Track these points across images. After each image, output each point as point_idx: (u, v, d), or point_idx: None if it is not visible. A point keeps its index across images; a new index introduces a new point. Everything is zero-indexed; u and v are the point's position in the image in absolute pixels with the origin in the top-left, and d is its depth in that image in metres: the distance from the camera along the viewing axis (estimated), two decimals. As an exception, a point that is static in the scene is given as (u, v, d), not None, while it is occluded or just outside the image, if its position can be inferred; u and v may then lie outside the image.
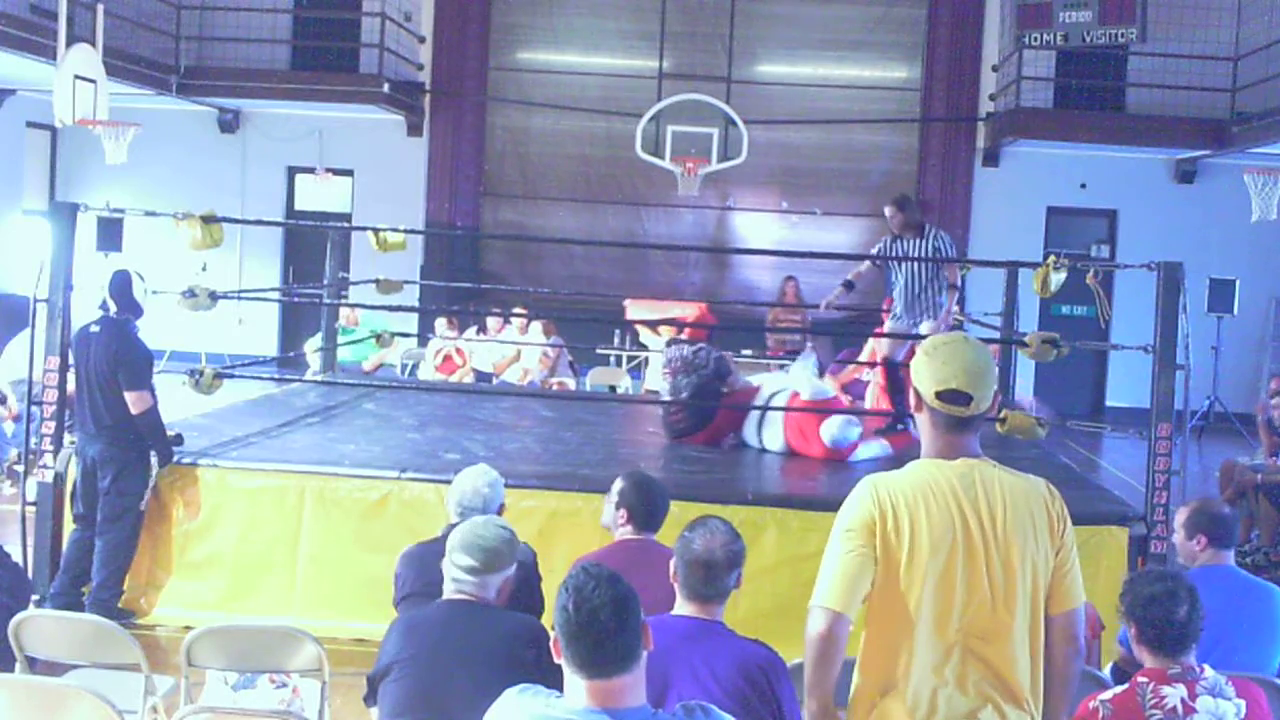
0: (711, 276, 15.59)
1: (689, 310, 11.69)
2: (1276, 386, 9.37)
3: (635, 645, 2.30)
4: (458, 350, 10.99)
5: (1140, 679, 3.25)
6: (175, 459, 5.75)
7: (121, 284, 5.69)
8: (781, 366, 11.05)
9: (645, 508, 4.12)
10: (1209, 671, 3.23)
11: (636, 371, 11.23)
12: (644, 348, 11.37)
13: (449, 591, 3.39)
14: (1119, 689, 3.29)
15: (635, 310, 11.71)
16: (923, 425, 2.80)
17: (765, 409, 6.88)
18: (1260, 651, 4.05)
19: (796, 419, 6.77)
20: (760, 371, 10.90)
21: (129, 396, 5.54)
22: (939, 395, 2.72)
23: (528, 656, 3.22)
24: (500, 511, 4.14)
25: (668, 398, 7.28)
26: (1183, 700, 3.16)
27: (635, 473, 4.29)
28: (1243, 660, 3.68)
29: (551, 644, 2.34)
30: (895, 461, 6.54)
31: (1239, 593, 4.14)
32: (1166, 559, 4.80)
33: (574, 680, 2.31)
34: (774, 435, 6.88)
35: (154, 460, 5.61)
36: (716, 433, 7.10)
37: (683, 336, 7.94)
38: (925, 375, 2.76)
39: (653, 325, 10.98)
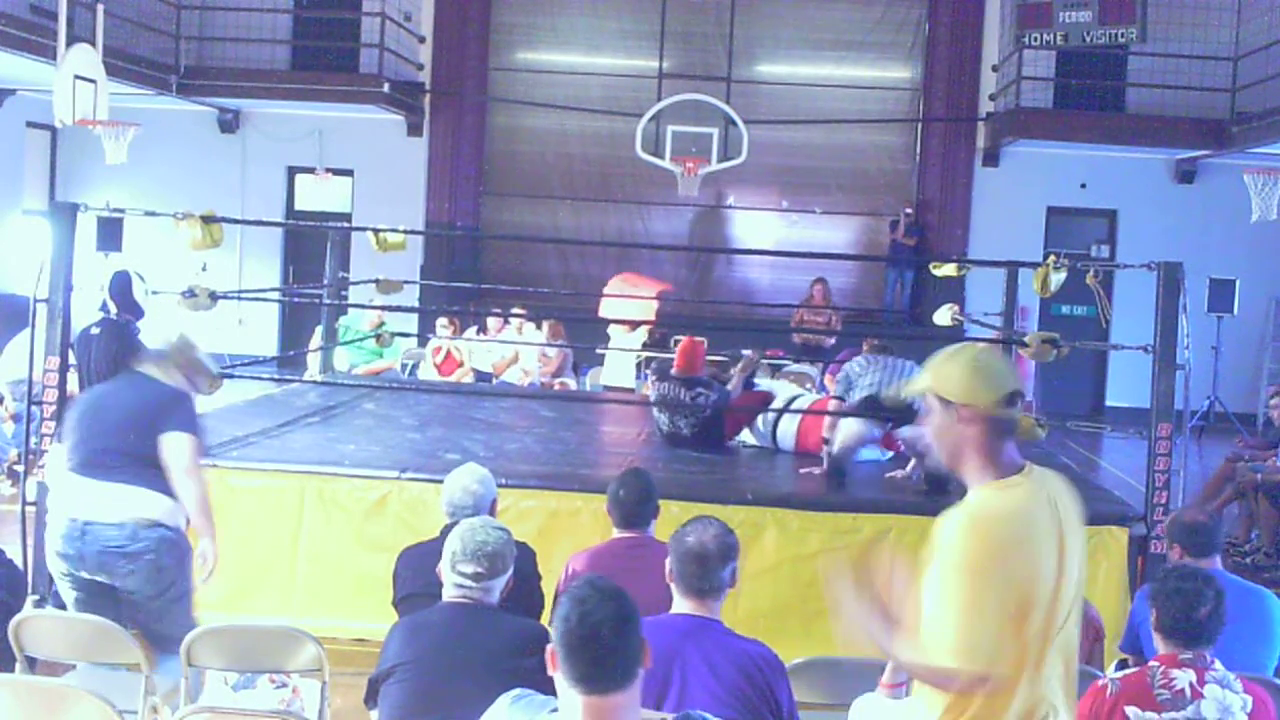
0: (710, 276, 15.60)
1: (653, 289, 11.65)
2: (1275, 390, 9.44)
3: (635, 663, 2.25)
4: (453, 349, 10.97)
5: (1152, 663, 3.34)
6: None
7: (122, 285, 5.68)
8: (782, 367, 11.06)
9: (620, 509, 4.14)
10: (1219, 665, 3.30)
11: (641, 373, 11.19)
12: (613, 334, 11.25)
13: (450, 594, 3.39)
14: (1130, 670, 3.37)
15: (612, 294, 11.63)
16: (973, 444, 2.64)
17: (783, 411, 6.85)
18: (1256, 654, 4.07)
19: (808, 418, 6.76)
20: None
21: None
22: (1002, 401, 2.63)
23: (530, 662, 3.22)
24: (493, 509, 4.14)
25: (666, 427, 6.94)
26: (1191, 684, 3.24)
27: (622, 473, 4.32)
28: (1238, 663, 3.69)
29: (548, 655, 2.29)
30: (891, 464, 6.57)
31: (1229, 596, 4.15)
32: (1167, 559, 4.81)
33: (569, 694, 2.26)
34: (787, 435, 6.88)
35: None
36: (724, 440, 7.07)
37: (672, 372, 6.98)
38: (983, 386, 2.63)
39: (632, 325, 10.91)
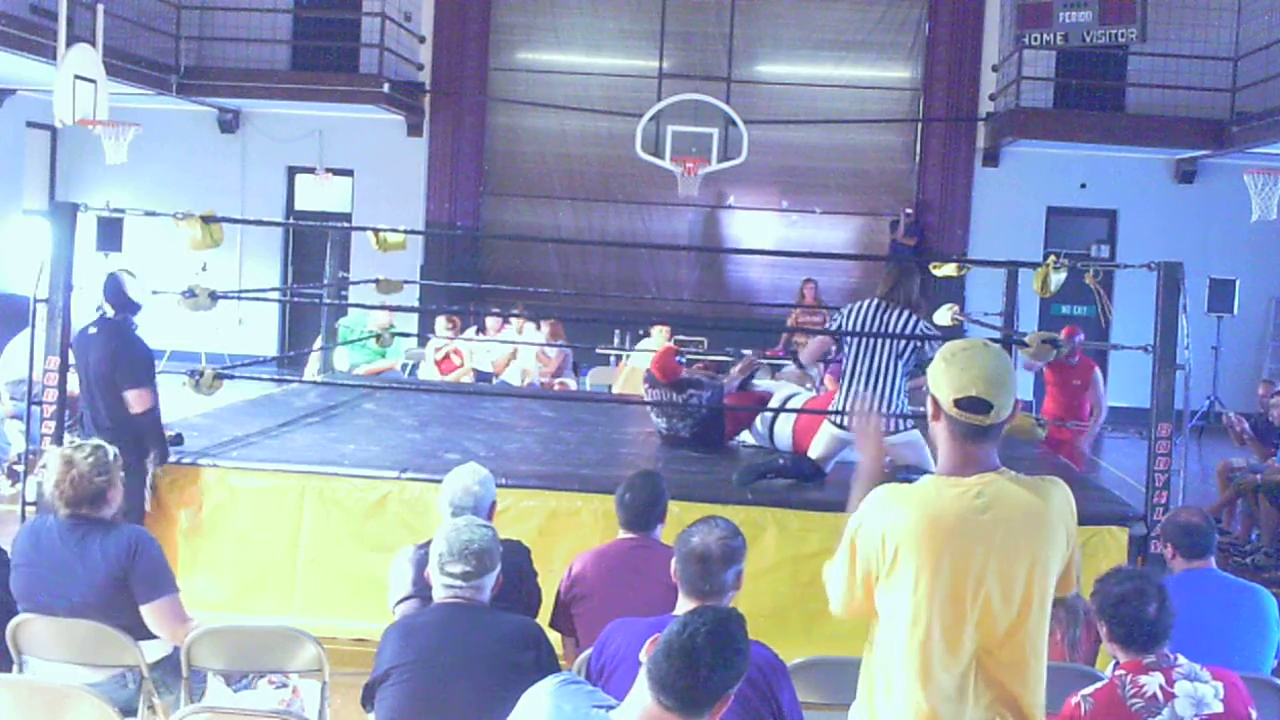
0: (710, 276, 15.62)
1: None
2: (1265, 392, 9.43)
3: (711, 700, 2.25)
4: (455, 351, 10.97)
5: (1119, 672, 3.33)
6: (175, 459, 5.75)
7: (114, 287, 5.66)
8: (781, 367, 11.06)
9: (627, 511, 4.14)
10: (1183, 659, 3.31)
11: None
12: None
13: (441, 595, 3.39)
14: (1099, 683, 3.35)
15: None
16: (939, 434, 2.72)
17: (779, 411, 6.82)
18: (1250, 651, 4.07)
19: (804, 416, 6.73)
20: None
21: (129, 395, 5.51)
22: (958, 403, 2.64)
23: (526, 658, 3.23)
24: (492, 508, 4.13)
25: (665, 430, 6.92)
26: (1161, 687, 3.23)
27: (632, 475, 4.31)
28: (1234, 661, 3.70)
29: (648, 640, 2.31)
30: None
31: (1222, 595, 4.16)
32: (1165, 559, 4.82)
33: (642, 695, 2.26)
34: (783, 435, 6.85)
35: (150, 460, 5.58)
36: (724, 440, 7.06)
37: (660, 380, 6.86)
38: (944, 383, 2.67)
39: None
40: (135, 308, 5.72)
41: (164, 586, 4.00)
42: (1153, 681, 3.24)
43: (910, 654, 2.62)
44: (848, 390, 5.92)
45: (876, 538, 2.65)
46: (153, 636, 4.01)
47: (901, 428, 5.86)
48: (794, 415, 6.62)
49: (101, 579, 3.90)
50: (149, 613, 3.96)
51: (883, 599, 2.68)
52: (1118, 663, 4.11)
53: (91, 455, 3.99)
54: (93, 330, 5.65)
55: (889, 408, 5.81)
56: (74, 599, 3.89)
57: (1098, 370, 8.46)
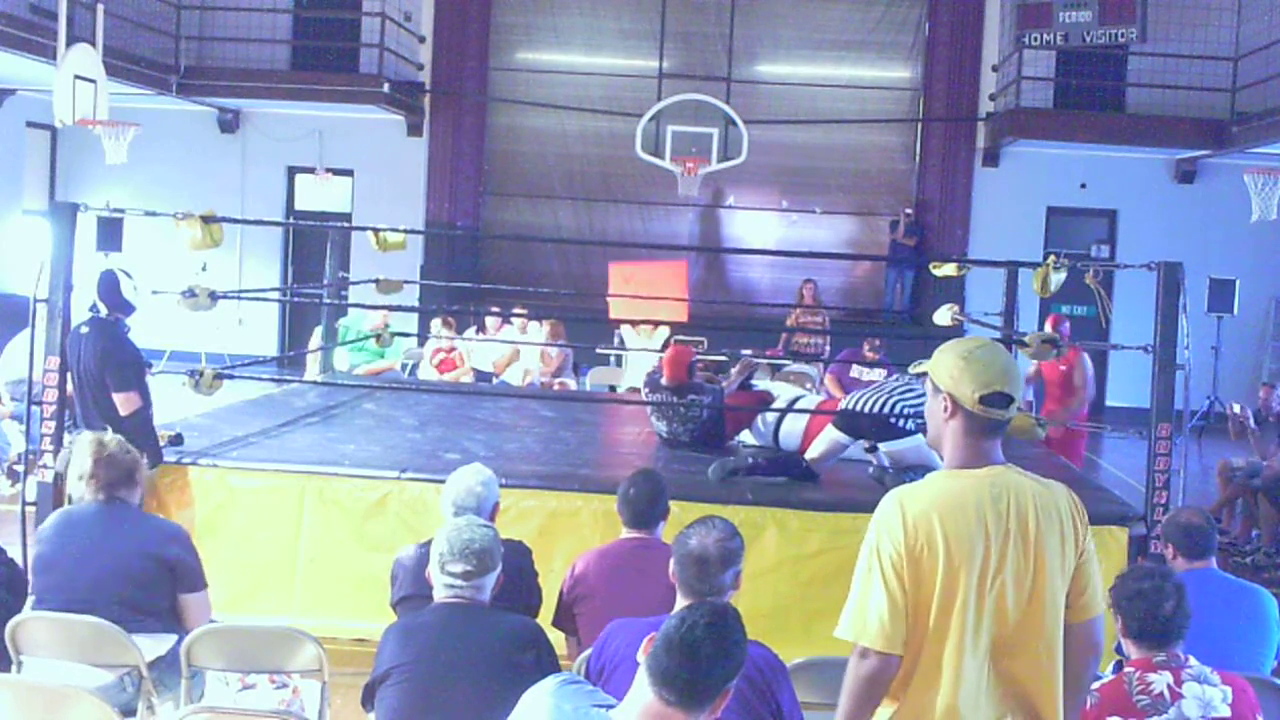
0: (710, 276, 15.61)
1: (673, 280, 11.56)
2: (1266, 395, 9.44)
3: (710, 694, 2.26)
4: (450, 349, 10.96)
5: (1128, 668, 3.33)
6: (176, 459, 5.74)
7: (109, 285, 5.65)
8: (781, 368, 11.05)
9: (629, 509, 4.14)
10: (1194, 661, 3.31)
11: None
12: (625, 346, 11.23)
13: (442, 595, 3.39)
14: (1107, 678, 3.35)
15: (618, 308, 11.59)
16: (951, 433, 2.71)
17: (786, 411, 6.81)
18: (1251, 652, 4.07)
19: (816, 420, 6.72)
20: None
21: (116, 398, 5.49)
22: (983, 400, 2.65)
23: (527, 658, 3.23)
24: (495, 509, 4.13)
25: (665, 434, 6.89)
26: (1169, 686, 3.23)
27: (634, 473, 4.31)
28: (1235, 662, 3.69)
29: (644, 639, 2.32)
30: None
31: (1223, 595, 4.16)
32: (1165, 559, 4.82)
33: (643, 692, 2.26)
34: (792, 435, 6.84)
35: (143, 463, 5.56)
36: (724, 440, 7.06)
37: (663, 381, 6.83)
38: (966, 380, 2.67)
39: (635, 324, 10.89)
40: (128, 309, 5.70)
41: (201, 581, 4.18)
42: (1161, 680, 3.23)
43: (930, 646, 2.61)
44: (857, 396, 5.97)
45: (898, 535, 2.63)
46: (164, 630, 4.06)
47: (906, 429, 5.86)
48: (806, 419, 6.62)
49: (136, 556, 4.01)
50: (188, 604, 4.12)
51: (914, 594, 2.64)
52: (1119, 663, 4.12)
53: (115, 437, 4.23)
54: (84, 329, 5.64)
55: (893, 409, 5.82)
56: (103, 573, 3.97)
57: (1084, 355, 8.46)
